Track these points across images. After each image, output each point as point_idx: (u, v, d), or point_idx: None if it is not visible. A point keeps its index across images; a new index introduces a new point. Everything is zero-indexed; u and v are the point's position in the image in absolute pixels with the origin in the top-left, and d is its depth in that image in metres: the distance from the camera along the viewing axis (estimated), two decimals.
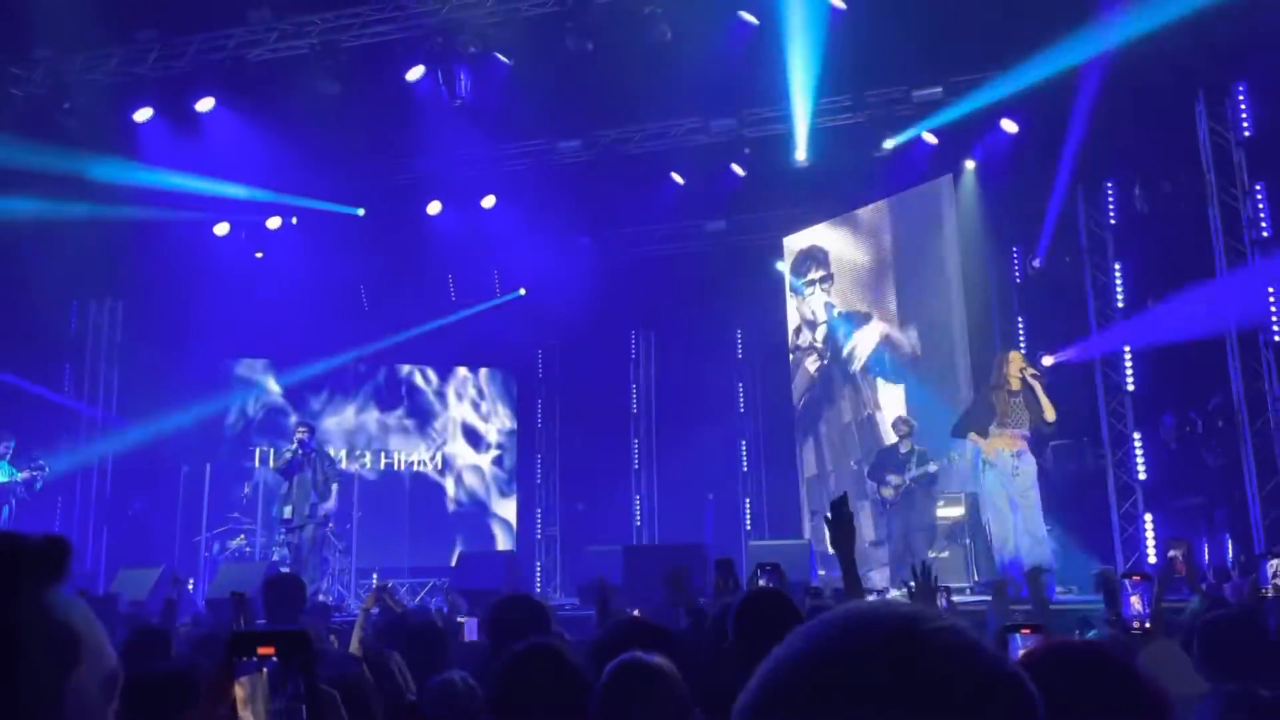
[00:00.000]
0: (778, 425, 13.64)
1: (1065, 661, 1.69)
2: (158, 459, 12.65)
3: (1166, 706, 1.66)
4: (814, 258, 12.98)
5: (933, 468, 9.82)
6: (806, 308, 13.14)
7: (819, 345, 12.96)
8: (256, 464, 13.56)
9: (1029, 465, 8.69)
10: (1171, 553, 6.70)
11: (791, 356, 13.35)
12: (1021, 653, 2.14)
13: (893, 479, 9.97)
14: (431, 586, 12.37)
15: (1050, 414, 8.51)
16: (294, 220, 12.83)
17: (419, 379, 14.80)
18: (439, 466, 14.68)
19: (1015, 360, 8.68)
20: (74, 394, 12.67)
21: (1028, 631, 2.14)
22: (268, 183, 11.60)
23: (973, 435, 8.68)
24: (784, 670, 0.72)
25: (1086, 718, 1.59)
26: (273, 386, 13.97)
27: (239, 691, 0.96)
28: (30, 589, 0.78)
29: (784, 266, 13.51)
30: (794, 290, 13.25)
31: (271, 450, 13.31)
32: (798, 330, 13.35)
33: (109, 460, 12.48)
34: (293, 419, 10.47)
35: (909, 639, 0.70)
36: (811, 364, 13.06)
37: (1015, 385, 8.57)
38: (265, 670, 0.96)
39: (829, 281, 12.78)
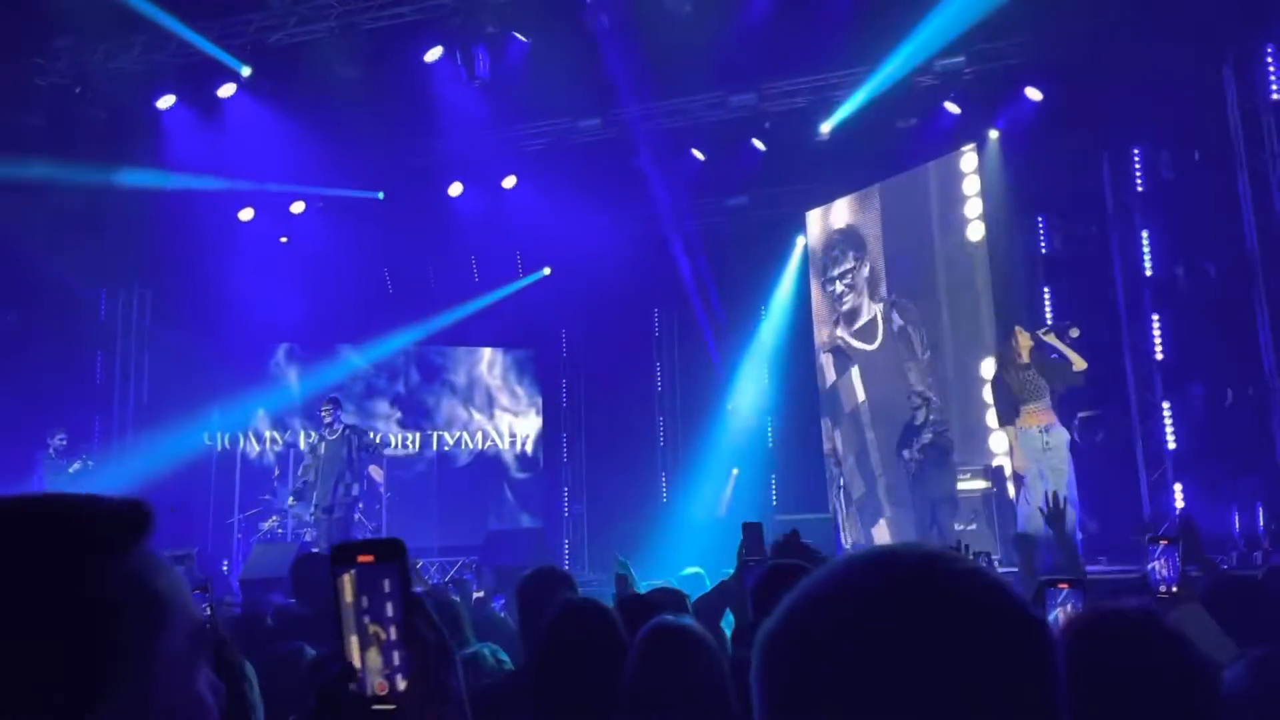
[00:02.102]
0: (802, 400, 13.61)
1: (1112, 628, 1.69)
2: (189, 443, 12.81)
3: (1213, 674, 1.66)
4: (847, 240, 12.79)
5: (927, 437, 9.80)
6: (834, 285, 12.99)
7: (843, 319, 12.87)
8: (301, 444, 13.67)
9: (1059, 438, 8.66)
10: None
11: (815, 331, 13.30)
12: (1058, 611, 2.15)
13: (905, 452, 10.02)
14: (460, 565, 12.48)
15: (1079, 364, 8.44)
16: (320, 205, 12.89)
17: (444, 360, 14.87)
18: (466, 446, 14.77)
19: (1020, 336, 8.68)
20: (105, 381, 12.85)
21: (1065, 587, 2.15)
22: (290, 167, 11.66)
23: (1008, 430, 8.70)
24: (808, 602, 0.74)
25: (1133, 685, 1.60)
26: (292, 382, 14.09)
27: (339, 596, 1.05)
28: (115, 552, 0.79)
29: (807, 241, 13.44)
30: (822, 269, 13.11)
31: (300, 433, 13.46)
32: (821, 305, 13.29)
33: (142, 445, 12.65)
34: (324, 406, 10.50)
35: (931, 576, 0.72)
36: (835, 338, 13.00)
37: (1026, 359, 8.56)
38: (363, 574, 1.05)
39: (861, 261, 12.62)
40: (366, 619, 1.05)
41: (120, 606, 0.77)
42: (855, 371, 12.61)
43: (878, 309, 12.33)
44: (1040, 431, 8.59)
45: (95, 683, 0.74)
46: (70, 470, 10.43)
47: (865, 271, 12.54)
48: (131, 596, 0.78)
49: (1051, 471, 8.47)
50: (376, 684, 1.05)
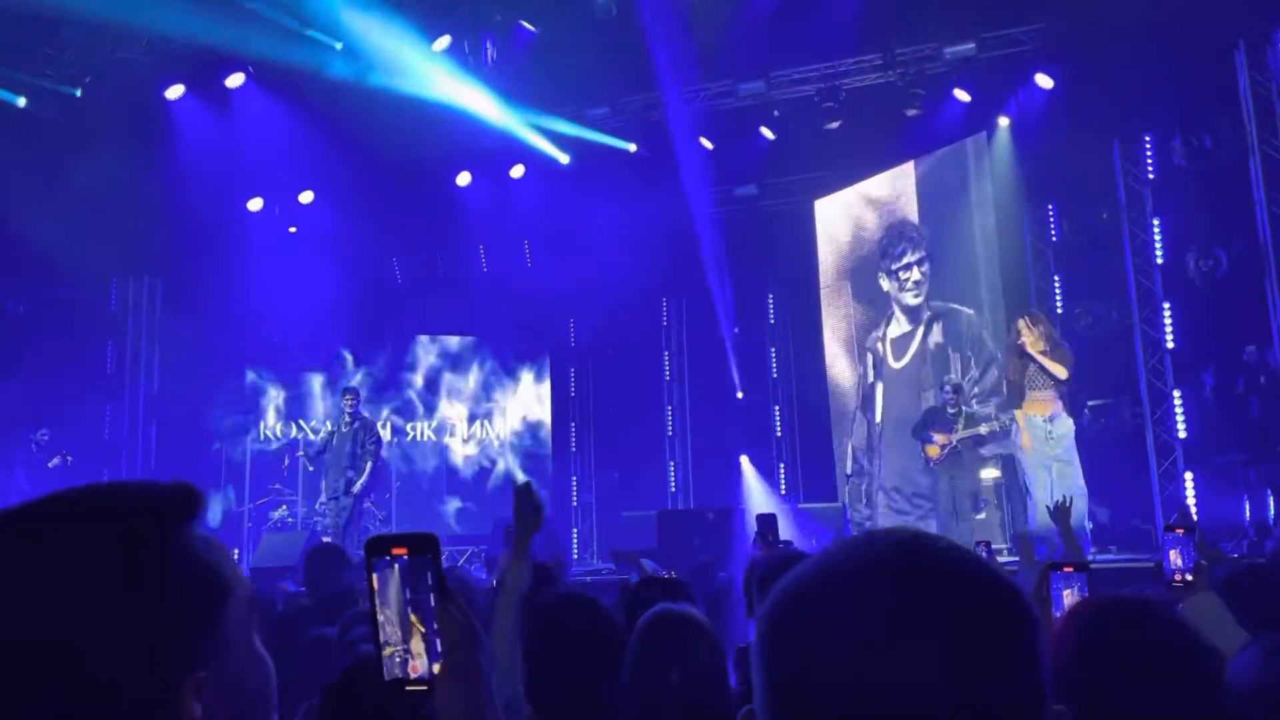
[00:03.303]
0: (811, 389, 13.60)
1: (1116, 615, 1.70)
2: (200, 433, 12.87)
3: (1218, 660, 1.66)
4: (905, 230, 12.18)
5: (984, 429, 9.77)
6: (905, 275, 12.18)
7: (894, 317, 12.53)
8: (316, 433, 13.73)
9: (1063, 428, 8.67)
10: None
11: (825, 319, 13.26)
12: (1065, 595, 2.16)
13: (938, 438, 9.92)
14: (470, 554, 12.52)
15: (1062, 373, 8.56)
16: (328, 195, 12.90)
17: (452, 349, 14.88)
18: (474, 436, 14.80)
19: (1022, 326, 8.76)
20: (116, 371, 12.91)
21: (1070, 570, 2.17)
22: (298, 158, 11.67)
23: (1016, 413, 8.75)
24: (800, 579, 0.79)
25: (1134, 669, 1.61)
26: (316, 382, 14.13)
27: (373, 586, 1.14)
28: (174, 534, 0.85)
29: (817, 229, 13.39)
30: (884, 257, 12.39)
31: (310, 424, 13.51)
32: (832, 293, 13.25)
33: (153, 434, 12.71)
34: (343, 393, 10.55)
35: (913, 552, 0.76)
36: (843, 325, 12.97)
37: (1032, 348, 8.61)
38: (398, 566, 1.14)
39: (921, 259, 11.98)
40: (401, 606, 1.14)
41: (190, 578, 0.85)
42: (863, 356, 12.56)
43: (925, 317, 11.91)
44: (1045, 421, 8.63)
45: (190, 650, 0.82)
46: (49, 465, 10.50)
47: (926, 268, 11.94)
48: (195, 568, 0.86)
49: (1055, 463, 8.49)
50: (411, 666, 1.14)
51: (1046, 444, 8.57)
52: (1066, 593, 2.18)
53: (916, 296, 12.02)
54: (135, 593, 0.80)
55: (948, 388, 10.10)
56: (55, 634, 0.77)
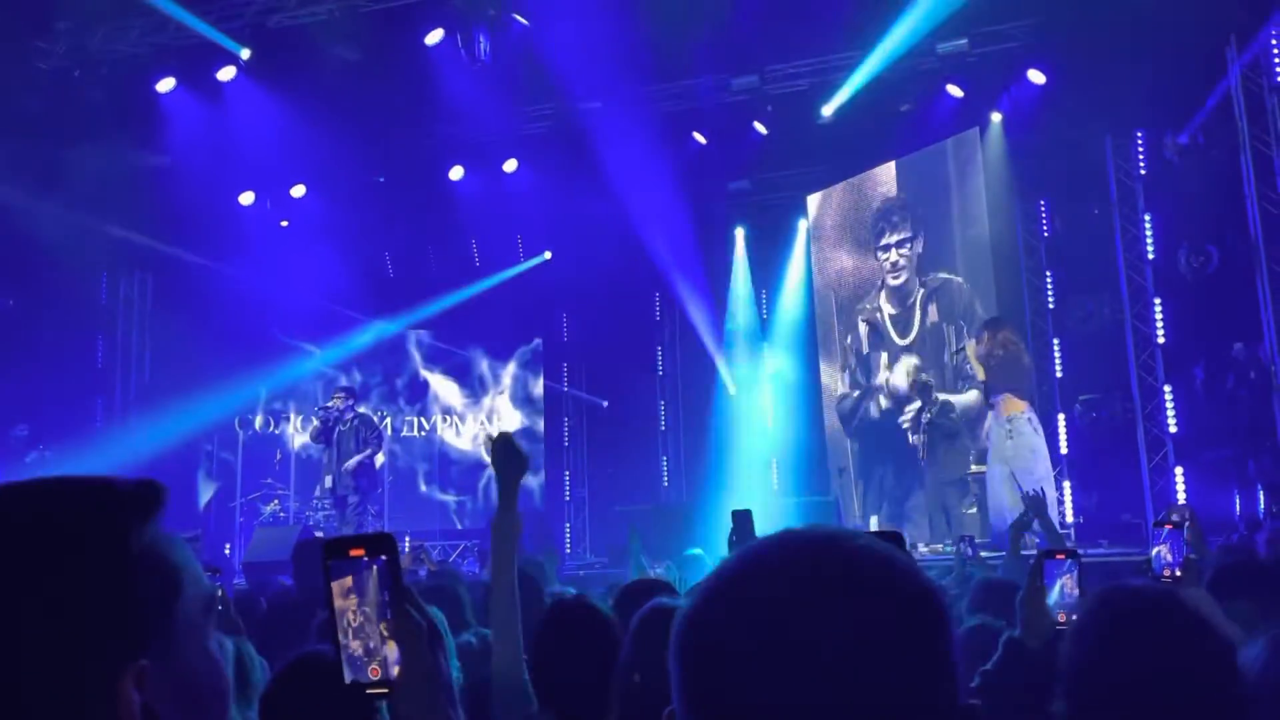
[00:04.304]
0: (802, 384, 13.62)
1: (1130, 604, 1.73)
2: (191, 427, 12.82)
3: (1231, 650, 1.68)
4: (900, 207, 12.15)
5: (928, 419, 9.91)
6: (889, 254, 12.23)
7: (888, 293, 12.55)
8: (292, 429, 13.72)
9: (1021, 428, 8.93)
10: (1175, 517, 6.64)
11: (817, 314, 13.26)
12: (1061, 581, 2.18)
13: (913, 437, 10.07)
14: (463, 549, 12.52)
15: (981, 375, 9.29)
16: (320, 189, 12.87)
17: (444, 344, 14.87)
18: (466, 431, 14.78)
19: (970, 350, 9.16)
20: (107, 364, 12.86)
21: (1062, 557, 2.20)
22: (290, 151, 11.62)
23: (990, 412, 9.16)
24: (719, 580, 0.80)
25: (1152, 660, 1.64)
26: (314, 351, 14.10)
27: (331, 588, 1.13)
28: (133, 527, 0.85)
29: (809, 223, 13.41)
30: (874, 235, 12.36)
31: (299, 418, 13.48)
32: (822, 290, 13.25)
33: (145, 428, 12.66)
34: (338, 388, 10.54)
35: (830, 550, 0.78)
36: (837, 320, 12.98)
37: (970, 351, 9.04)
38: (356, 567, 1.14)
39: (916, 236, 12.02)
40: (359, 609, 1.13)
41: (145, 572, 0.84)
42: (855, 353, 12.57)
43: (919, 295, 11.91)
44: (1006, 420, 8.87)
45: (130, 640, 0.82)
46: (26, 460, 10.47)
47: (919, 247, 11.95)
48: (151, 564, 0.86)
49: (1011, 462, 8.77)
50: (370, 669, 1.13)
51: (1005, 443, 8.82)
52: (1066, 579, 2.21)
53: (897, 277, 12.09)
54: (77, 576, 0.80)
55: (917, 384, 10.22)
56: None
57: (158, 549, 0.87)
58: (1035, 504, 4.42)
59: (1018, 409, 8.94)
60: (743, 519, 5.26)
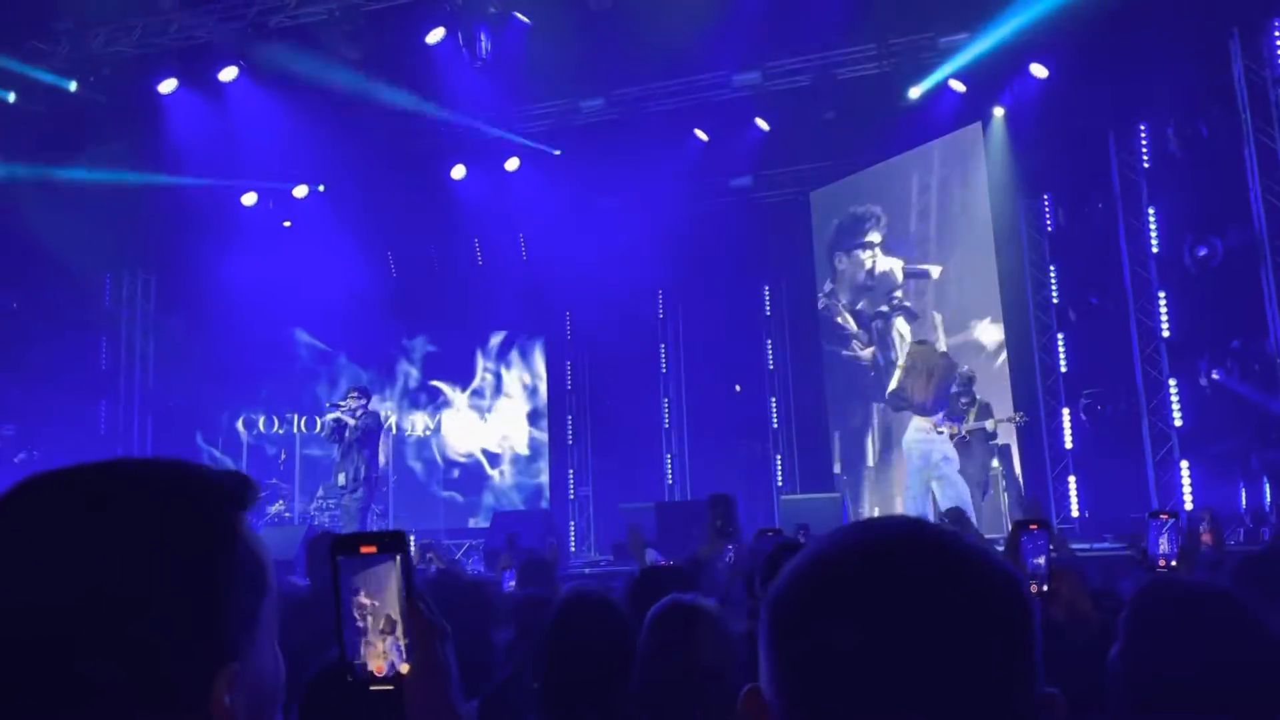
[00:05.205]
0: (807, 380, 13.60)
1: (1178, 599, 1.76)
2: (195, 427, 12.86)
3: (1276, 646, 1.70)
4: (873, 212, 12.54)
5: (990, 425, 9.97)
6: (852, 263, 12.72)
7: (850, 298, 12.73)
8: (296, 429, 13.73)
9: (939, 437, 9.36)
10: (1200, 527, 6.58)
11: (821, 308, 13.23)
12: (1039, 560, 2.17)
13: (946, 429, 10.12)
14: (468, 548, 12.53)
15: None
16: (320, 188, 12.88)
17: (448, 342, 14.87)
18: (471, 429, 14.79)
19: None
20: (110, 366, 12.89)
21: (1035, 528, 2.18)
22: (292, 151, 11.63)
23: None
24: (810, 563, 0.81)
25: (1209, 658, 1.67)
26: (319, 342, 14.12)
27: (338, 584, 1.12)
28: (239, 521, 0.85)
29: (813, 219, 13.38)
30: (853, 237, 12.71)
31: (302, 418, 13.50)
32: (828, 284, 13.23)
33: (148, 429, 12.70)
34: (346, 388, 10.53)
35: (920, 537, 0.80)
36: (841, 317, 12.95)
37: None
38: (367, 564, 1.13)
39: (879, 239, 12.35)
40: (367, 606, 1.12)
41: (245, 568, 0.83)
42: (861, 348, 12.55)
43: (886, 286, 12.16)
44: (924, 434, 9.42)
45: (227, 640, 0.80)
46: (15, 461, 10.50)
47: (919, 242, 12.10)
48: (250, 560, 0.84)
49: (937, 481, 9.14)
50: (375, 666, 1.12)
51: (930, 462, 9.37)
52: (1039, 559, 2.18)
53: (871, 274, 12.19)
54: (199, 570, 0.79)
55: (961, 380, 10.22)
56: (115, 596, 0.76)
57: (254, 547, 0.86)
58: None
59: (947, 428, 9.64)
60: (723, 503, 5.13)
